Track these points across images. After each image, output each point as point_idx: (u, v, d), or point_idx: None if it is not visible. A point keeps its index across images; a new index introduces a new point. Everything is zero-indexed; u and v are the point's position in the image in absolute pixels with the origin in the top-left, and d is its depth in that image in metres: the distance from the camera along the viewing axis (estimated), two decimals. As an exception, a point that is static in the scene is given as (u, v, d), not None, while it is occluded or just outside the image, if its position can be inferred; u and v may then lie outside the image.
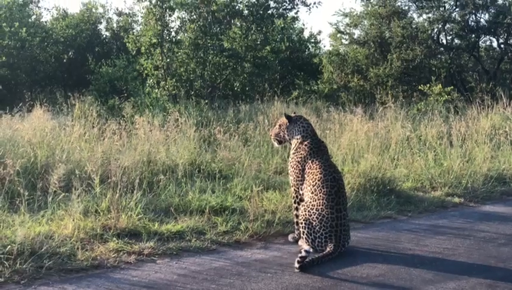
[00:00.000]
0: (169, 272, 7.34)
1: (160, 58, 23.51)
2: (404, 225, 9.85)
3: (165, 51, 23.62)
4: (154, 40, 23.39)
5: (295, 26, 30.96)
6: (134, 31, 29.81)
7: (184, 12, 24.18)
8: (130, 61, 26.11)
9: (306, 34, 31.71)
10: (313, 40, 31.84)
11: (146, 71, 23.81)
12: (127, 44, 25.10)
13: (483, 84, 26.89)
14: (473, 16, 28.63)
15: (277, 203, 9.72)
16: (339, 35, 30.64)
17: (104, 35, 31.96)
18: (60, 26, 29.73)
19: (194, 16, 24.18)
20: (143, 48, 23.70)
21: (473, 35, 28.81)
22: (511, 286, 7.02)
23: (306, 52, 30.83)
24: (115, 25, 31.71)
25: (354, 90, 27.43)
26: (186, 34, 23.95)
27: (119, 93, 22.97)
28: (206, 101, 21.78)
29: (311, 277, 7.21)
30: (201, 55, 23.75)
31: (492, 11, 27.95)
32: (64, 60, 29.26)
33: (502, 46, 29.46)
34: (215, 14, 24.35)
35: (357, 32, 30.25)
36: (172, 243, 8.30)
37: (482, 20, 28.91)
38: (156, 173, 10.92)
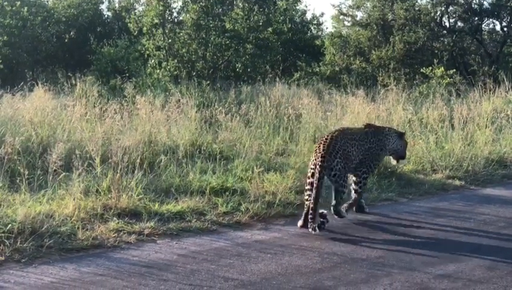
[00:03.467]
0: (169, 252, 7.36)
1: (162, 38, 23.44)
2: (404, 207, 9.87)
3: (166, 31, 23.55)
4: (156, 21, 23.31)
5: (298, 7, 30.81)
6: (136, 11, 29.68)
7: (186, -8, 24.10)
8: (132, 42, 26.06)
9: (308, 16, 31.53)
10: (315, 22, 31.68)
11: (148, 52, 23.74)
12: (129, 24, 25.04)
13: (485, 67, 26.83)
14: (477, -2, 28.52)
15: (277, 185, 9.72)
16: (341, 17, 30.51)
17: (106, 15, 31.83)
18: (62, 6, 29.59)
19: (196, -3, 24.10)
20: (145, 28, 23.62)
21: (476, 18, 28.71)
22: (511, 268, 7.03)
23: (308, 34, 30.70)
24: (116, 5, 31.57)
25: (356, 73, 27.34)
26: (188, 15, 23.84)
27: (120, 74, 22.95)
28: (208, 82, 21.69)
29: (311, 258, 7.23)
30: (203, 36, 23.67)
31: (496, -7, 27.86)
32: (66, 40, 29.11)
33: (505, 29, 29.35)
34: (218, -6, 24.27)
35: (359, 14, 30.14)
36: (172, 224, 8.31)
37: (485, 2, 28.80)
38: (156, 153, 10.91)
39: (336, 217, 8.80)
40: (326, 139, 8.79)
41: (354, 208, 9.34)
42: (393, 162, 10.05)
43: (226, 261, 7.10)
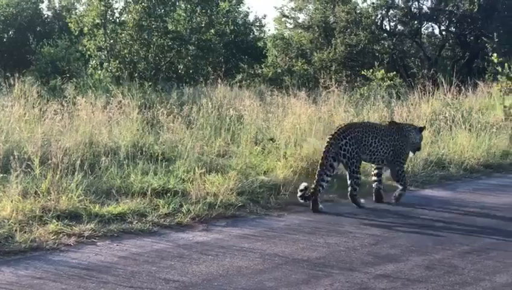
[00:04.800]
0: (109, 254, 7.29)
1: (104, 39, 23.22)
2: (345, 208, 9.94)
3: (108, 32, 23.33)
4: (98, 21, 23.08)
5: (240, 9, 30.89)
6: (77, 11, 29.35)
7: (128, -7, 23.93)
8: (73, 42, 25.76)
9: (251, 18, 31.71)
10: (257, 24, 31.86)
11: (89, 52, 23.50)
12: (70, 24, 24.71)
13: (424, 70, 27.29)
14: (416, 2, 29.01)
15: (219, 186, 9.71)
16: (283, 19, 30.72)
17: (46, 15, 31.44)
18: (0, 5, 29.11)
19: (138, -3, 23.95)
20: (86, 28, 23.35)
21: (416, 22, 29.19)
22: (448, 268, 7.15)
23: (251, 36, 30.84)
24: (57, 5, 31.20)
25: (298, 74, 27.53)
26: (130, 15, 23.66)
27: (61, 74, 22.66)
28: (150, 83, 21.58)
29: (252, 259, 7.23)
30: (146, 37, 23.53)
31: (434, -2, 28.35)
32: (4, 40, 28.66)
33: (444, 33, 29.91)
34: (160, -5, 24.15)
35: (301, 17, 30.40)
36: (113, 225, 8.23)
37: (424, 6, 29.30)
38: (98, 154, 10.80)
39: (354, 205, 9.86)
40: (340, 126, 10.07)
41: (374, 197, 10.44)
42: (411, 154, 10.92)
43: (167, 262, 7.06)
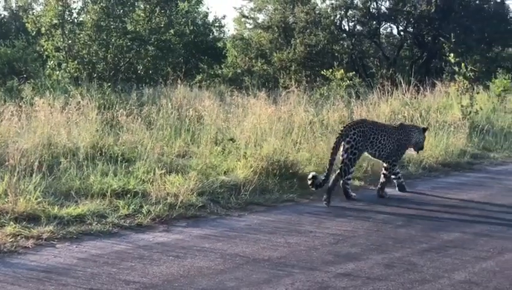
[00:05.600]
0: (69, 256, 7.22)
1: (62, 39, 23.04)
2: (305, 207, 9.97)
3: (66, 32, 23.15)
4: (55, 21, 22.90)
5: (199, 9, 30.83)
6: (34, 11, 29.06)
7: (86, -8, 23.76)
8: (30, 42, 25.47)
9: (210, 18, 31.64)
10: (217, 24, 31.76)
11: (47, 53, 23.27)
12: (27, 24, 24.47)
13: (383, 70, 27.50)
14: (374, 3, 29.23)
15: (179, 187, 9.67)
16: (243, 19, 30.76)
17: (2, 15, 31.07)
18: (-44, 5, 28.74)
19: (97, -3, 23.79)
20: (43, 28, 23.16)
21: (374, 22, 29.41)
22: (407, 265, 7.21)
23: (210, 36, 30.74)
24: (13, 5, 30.85)
25: (258, 75, 27.58)
26: (88, 16, 23.51)
27: (18, 75, 22.36)
28: (109, 84, 21.41)
29: (213, 260, 7.22)
30: (104, 37, 23.40)
31: (393, -1, 28.61)
32: (-41, 40, 28.27)
33: (402, 33, 30.18)
34: (118, -5, 24.01)
35: (261, 17, 30.46)
36: (72, 227, 8.15)
37: (382, 7, 29.54)
38: (56, 156, 10.69)
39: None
40: (353, 120, 11.37)
41: (397, 188, 11.20)
42: (414, 152, 11.83)
43: (127, 264, 7.01)
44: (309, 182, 10.24)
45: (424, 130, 11.58)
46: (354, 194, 10.64)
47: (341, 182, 10.48)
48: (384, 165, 10.98)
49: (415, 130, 11.35)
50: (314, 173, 10.32)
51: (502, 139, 16.77)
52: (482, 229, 8.89)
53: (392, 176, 11.15)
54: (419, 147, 11.48)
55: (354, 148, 10.40)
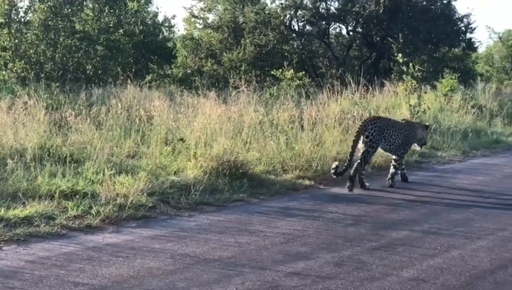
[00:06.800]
0: (16, 259, 7.12)
1: (8, 39, 22.72)
2: (256, 207, 10.00)
3: (13, 31, 22.82)
4: (1, 20, 22.56)
5: (149, 9, 30.68)
6: (-21, 10, 28.56)
7: (33, -9, 23.47)
8: (-25, 42, 25.04)
9: (160, 18, 31.46)
10: (167, 24, 31.61)
11: (-8, 52, 22.93)
12: (-29, 23, 24.06)
13: (333, 70, 27.68)
14: (324, 3, 29.40)
15: (129, 187, 9.61)
16: (193, 19, 30.70)
17: None
18: None
19: (44, -4, 23.50)
20: (-11, 27, 22.80)
21: (324, 22, 29.58)
22: (357, 264, 7.27)
23: (160, 36, 30.59)
24: (-43, 3, 30.27)
25: (208, 75, 27.55)
26: (35, 15, 23.21)
27: (-38, 75, 22.03)
28: (57, 84, 21.17)
29: (163, 260, 7.20)
30: (52, 36, 23.14)
31: (342, -1, 28.82)
32: None
33: (351, 33, 30.41)
34: (67, -6, 23.78)
35: (211, 17, 30.42)
36: (19, 229, 8.04)
37: (332, 7, 29.73)
38: (3, 157, 10.54)
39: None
40: (371, 116, 12.45)
41: (400, 178, 12.35)
42: (417, 148, 12.95)
43: (76, 265, 6.94)
44: (332, 171, 11.42)
45: (427, 127, 12.88)
46: (368, 184, 11.59)
47: (354, 173, 11.47)
48: (394, 157, 12.07)
49: (419, 126, 12.59)
50: (337, 163, 11.48)
51: (449, 138, 17.02)
52: (430, 227, 9.02)
53: (393, 163, 12.13)
54: (422, 143, 12.64)
55: (372, 142, 11.50)
